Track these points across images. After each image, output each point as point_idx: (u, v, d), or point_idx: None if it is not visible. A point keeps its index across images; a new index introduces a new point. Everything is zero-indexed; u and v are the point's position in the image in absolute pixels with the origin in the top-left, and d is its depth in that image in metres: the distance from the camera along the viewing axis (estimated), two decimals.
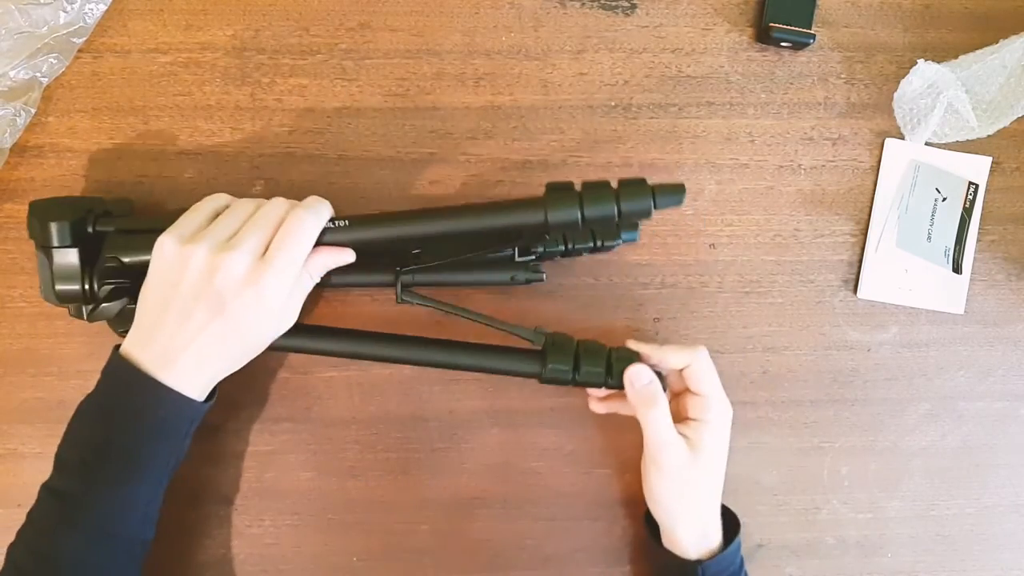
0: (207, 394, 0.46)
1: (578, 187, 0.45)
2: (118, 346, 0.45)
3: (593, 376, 0.49)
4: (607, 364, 0.50)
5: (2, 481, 0.55)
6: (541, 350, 0.50)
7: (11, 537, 0.53)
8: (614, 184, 0.44)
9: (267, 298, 0.43)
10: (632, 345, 0.50)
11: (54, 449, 0.54)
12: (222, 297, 0.42)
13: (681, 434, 0.49)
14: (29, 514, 0.45)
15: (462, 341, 0.52)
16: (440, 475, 0.56)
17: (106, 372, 0.45)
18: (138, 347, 0.44)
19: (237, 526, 0.55)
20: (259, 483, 0.55)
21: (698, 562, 0.49)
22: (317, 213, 0.45)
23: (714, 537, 0.51)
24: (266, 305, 0.43)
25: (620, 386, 0.50)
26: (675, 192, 0.43)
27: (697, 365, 0.49)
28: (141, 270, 0.46)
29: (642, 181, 0.43)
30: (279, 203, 0.45)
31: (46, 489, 0.45)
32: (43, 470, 0.55)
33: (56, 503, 0.44)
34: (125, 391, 0.44)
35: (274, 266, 0.43)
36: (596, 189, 0.44)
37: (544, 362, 0.49)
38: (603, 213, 0.43)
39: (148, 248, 0.45)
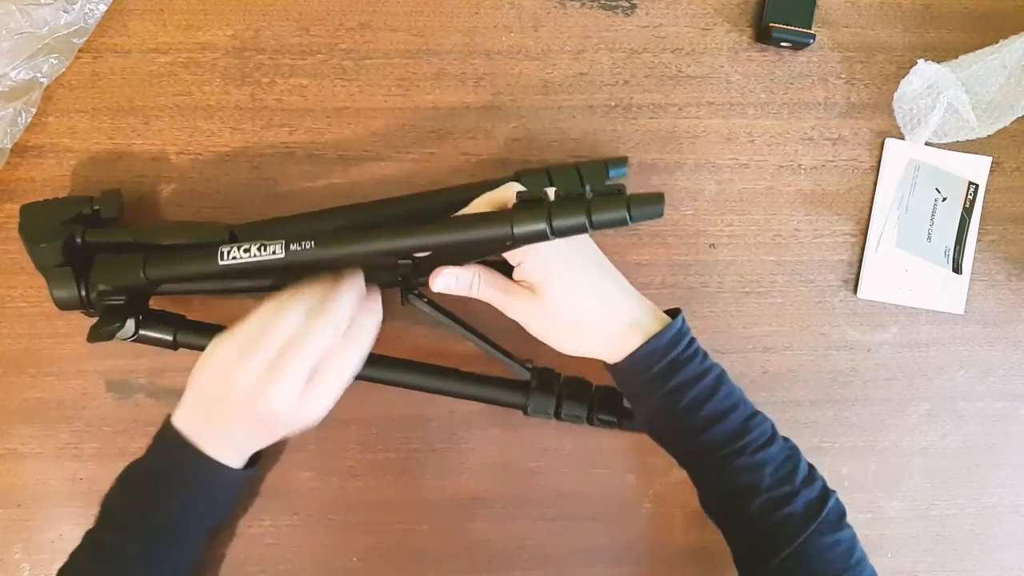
0: (247, 461, 0.49)
1: (551, 191, 0.43)
2: (170, 415, 0.47)
3: (575, 414, 0.52)
4: (590, 403, 0.52)
5: (2, 481, 0.55)
6: (528, 383, 0.52)
7: (11, 537, 0.54)
8: (589, 193, 0.41)
9: (312, 417, 0.46)
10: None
11: (54, 449, 0.55)
12: (272, 415, 0.44)
13: (521, 283, 0.46)
14: (72, 554, 0.46)
15: (452, 368, 0.53)
16: (440, 475, 0.56)
17: (157, 439, 0.47)
18: (187, 422, 0.46)
19: (237, 526, 0.55)
20: (259, 483, 0.55)
21: (623, 360, 0.46)
22: (361, 341, 0.46)
23: (644, 328, 0.46)
24: (309, 421, 0.46)
25: (606, 422, 0.52)
26: (652, 203, 0.39)
27: (482, 199, 0.46)
28: (135, 290, 0.48)
29: (617, 192, 0.40)
30: (331, 320, 0.45)
31: (91, 540, 0.46)
32: (43, 470, 0.55)
33: (100, 553, 0.46)
34: (174, 459, 0.46)
35: (324, 393, 0.45)
36: (566, 203, 0.41)
37: (528, 397, 0.52)
38: (573, 225, 0.40)
39: (136, 274, 0.46)
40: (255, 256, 0.44)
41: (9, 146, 0.52)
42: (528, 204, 0.42)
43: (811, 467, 0.47)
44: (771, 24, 0.55)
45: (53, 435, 0.55)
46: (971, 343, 0.59)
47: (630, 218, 0.39)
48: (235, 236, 0.48)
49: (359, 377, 0.50)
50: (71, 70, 0.53)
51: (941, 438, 0.59)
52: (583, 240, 0.47)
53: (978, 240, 0.59)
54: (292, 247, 0.44)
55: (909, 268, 0.58)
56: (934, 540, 0.60)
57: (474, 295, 0.47)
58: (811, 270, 0.58)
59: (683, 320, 0.47)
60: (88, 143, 0.54)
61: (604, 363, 0.48)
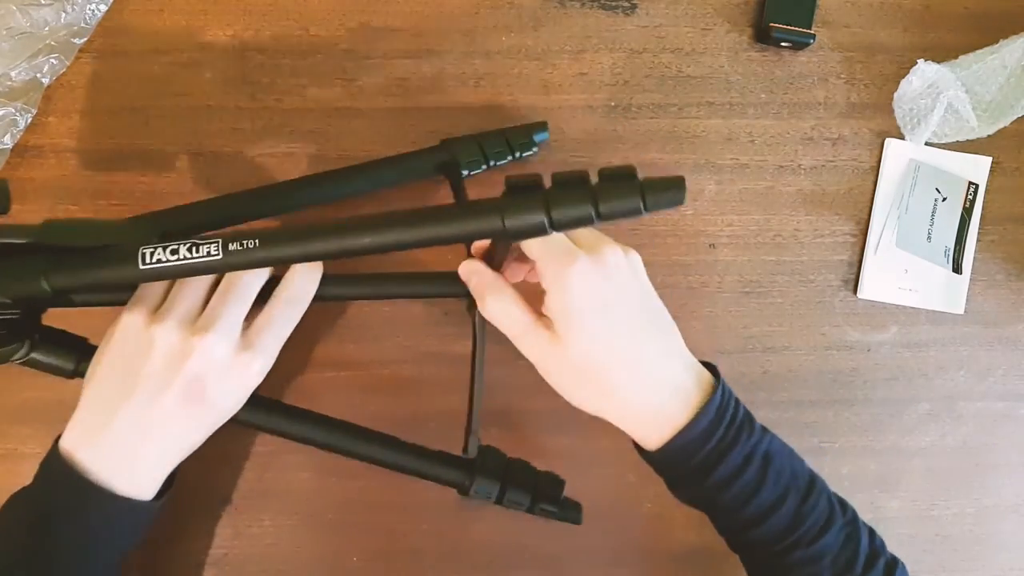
0: (161, 485, 0.42)
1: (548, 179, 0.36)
2: (59, 437, 0.39)
3: (518, 502, 0.50)
4: (533, 490, 0.51)
5: (2, 481, 0.54)
6: (472, 461, 0.49)
7: None
8: (595, 177, 0.35)
9: (253, 381, 0.40)
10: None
11: None
12: (201, 384, 0.38)
13: (540, 316, 0.38)
14: None
15: (393, 437, 0.50)
16: None
17: (44, 470, 0.39)
18: (84, 445, 0.38)
19: (237, 526, 0.55)
20: (259, 483, 0.55)
21: (654, 452, 0.39)
22: (305, 276, 0.41)
23: (663, 413, 0.38)
24: (250, 388, 0.40)
25: (548, 512, 0.51)
26: (671, 188, 0.32)
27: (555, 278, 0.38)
28: (35, 302, 0.40)
29: (630, 176, 0.33)
30: (251, 272, 0.40)
31: None
32: None
33: None
34: (67, 498, 0.38)
35: (263, 349, 0.40)
36: (567, 190, 0.35)
37: (472, 478, 0.49)
38: (577, 217, 0.34)
39: (35, 282, 0.37)
40: (185, 259, 0.37)
41: (10, 146, 0.52)
42: (522, 191, 0.35)
43: (872, 540, 0.42)
44: (771, 24, 0.55)
45: (53, 435, 0.54)
46: (971, 343, 0.59)
47: (645, 207, 0.32)
48: (167, 236, 0.39)
49: (279, 433, 0.47)
50: (71, 70, 0.53)
51: (941, 438, 0.59)
52: (630, 274, 0.39)
53: (978, 240, 0.59)
54: (231, 246, 0.36)
55: (909, 268, 0.58)
56: (934, 540, 0.60)
57: (482, 310, 0.40)
58: (811, 270, 0.58)
59: (722, 390, 0.39)
60: (88, 143, 0.54)
61: (646, 458, 0.41)
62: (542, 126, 0.54)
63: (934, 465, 0.60)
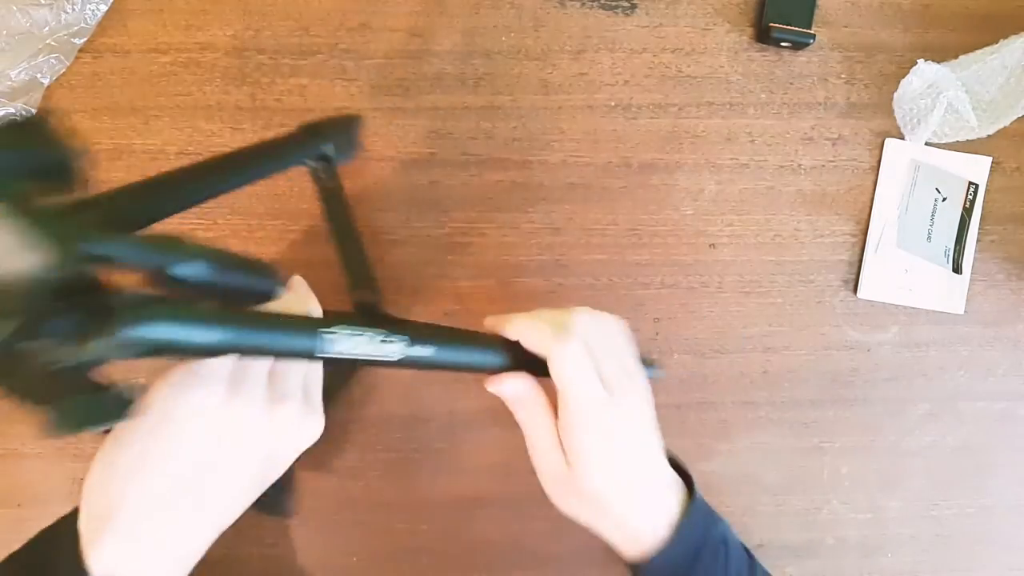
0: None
1: None
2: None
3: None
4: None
5: (2, 481, 0.55)
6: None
7: (11, 536, 0.53)
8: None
9: (315, 431, 0.38)
10: (489, 323, 0.42)
11: (54, 449, 0.55)
12: (275, 460, 0.37)
13: (560, 438, 0.40)
14: None
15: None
16: (440, 475, 0.56)
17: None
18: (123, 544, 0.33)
19: (238, 526, 0.55)
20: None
21: (636, 566, 0.41)
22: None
23: (649, 531, 0.40)
24: (310, 440, 0.39)
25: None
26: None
27: (554, 356, 0.39)
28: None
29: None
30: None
31: None
32: (43, 470, 0.55)
33: None
34: None
35: (320, 408, 0.38)
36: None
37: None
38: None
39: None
40: (367, 354, 0.35)
41: None
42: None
43: None
44: (771, 24, 0.55)
45: None
46: (971, 343, 0.59)
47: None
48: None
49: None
50: (71, 70, 0.53)
51: (941, 438, 0.59)
52: (639, 402, 0.42)
53: (978, 240, 0.59)
54: (414, 349, 0.36)
55: (909, 268, 0.58)
56: (934, 540, 0.60)
57: (520, 421, 0.41)
58: (811, 270, 0.58)
59: (696, 505, 0.41)
60: (88, 143, 0.54)
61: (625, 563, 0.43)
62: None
63: (934, 465, 0.60)
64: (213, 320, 0.32)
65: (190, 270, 0.32)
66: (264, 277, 0.38)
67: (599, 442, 0.39)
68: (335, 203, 0.46)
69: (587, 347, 0.39)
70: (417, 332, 0.37)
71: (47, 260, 0.26)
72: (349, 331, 0.35)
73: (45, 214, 0.27)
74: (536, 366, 0.40)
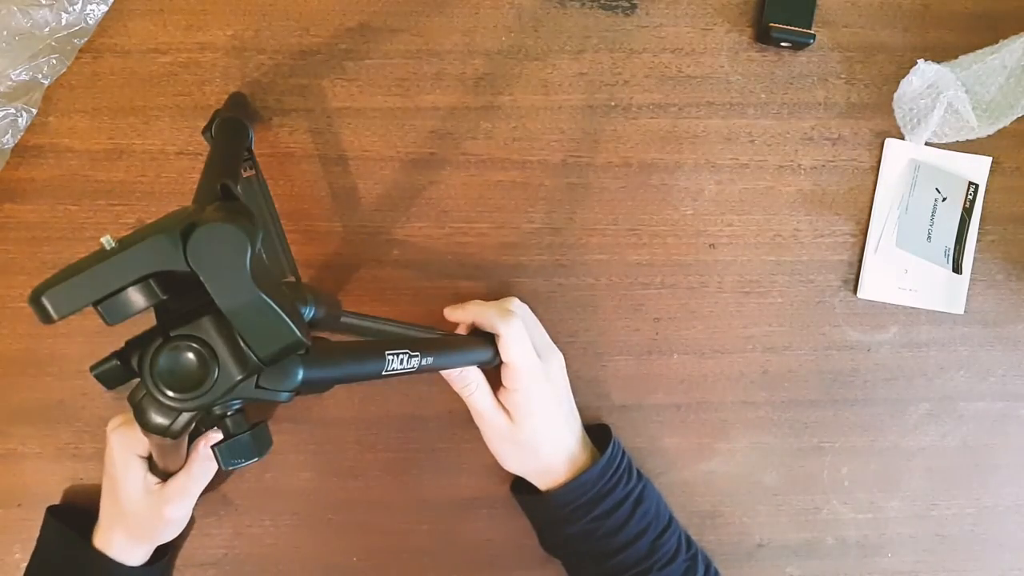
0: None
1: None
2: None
3: None
4: None
5: (2, 481, 0.55)
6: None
7: (11, 537, 0.54)
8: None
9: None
10: (448, 313, 0.52)
11: (54, 449, 0.55)
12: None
13: (500, 403, 0.50)
14: None
15: None
16: (440, 475, 0.56)
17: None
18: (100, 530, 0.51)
19: (237, 526, 0.55)
20: (259, 483, 0.55)
21: (545, 492, 0.52)
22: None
23: (561, 472, 0.51)
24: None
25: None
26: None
27: (504, 334, 0.49)
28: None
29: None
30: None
31: None
32: (43, 470, 0.55)
33: None
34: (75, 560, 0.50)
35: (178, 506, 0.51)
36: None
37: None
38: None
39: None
40: (404, 368, 0.41)
41: (11, 146, 0.52)
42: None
43: (707, 573, 0.52)
44: (771, 24, 0.55)
45: (53, 435, 0.55)
46: (971, 343, 0.59)
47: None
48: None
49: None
50: (71, 70, 0.53)
51: (941, 438, 0.59)
52: (563, 379, 0.53)
53: (978, 240, 0.59)
54: (425, 361, 0.42)
55: (909, 268, 0.58)
56: (934, 540, 0.60)
57: (466, 397, 0.51)
58: (811, 270, 0.58)
59: (614, 445, 0.52)
60: (88, 143, 0.54)
61: (522, 491, 0.54)
62: None
63: (934, 465, 0.60)
64: (339, 361, 0.38)
65: (321, 315, 0.40)
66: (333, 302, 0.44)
67: (537, 396, 0.50)
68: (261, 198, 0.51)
69: (524, 324, 0.50)
70: (416, 344, 0.42)
71: (296, 342, 0.32)
72: (396, 353, 0.40)
73: (285, 298, 0.32)
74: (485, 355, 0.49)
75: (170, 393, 0.31)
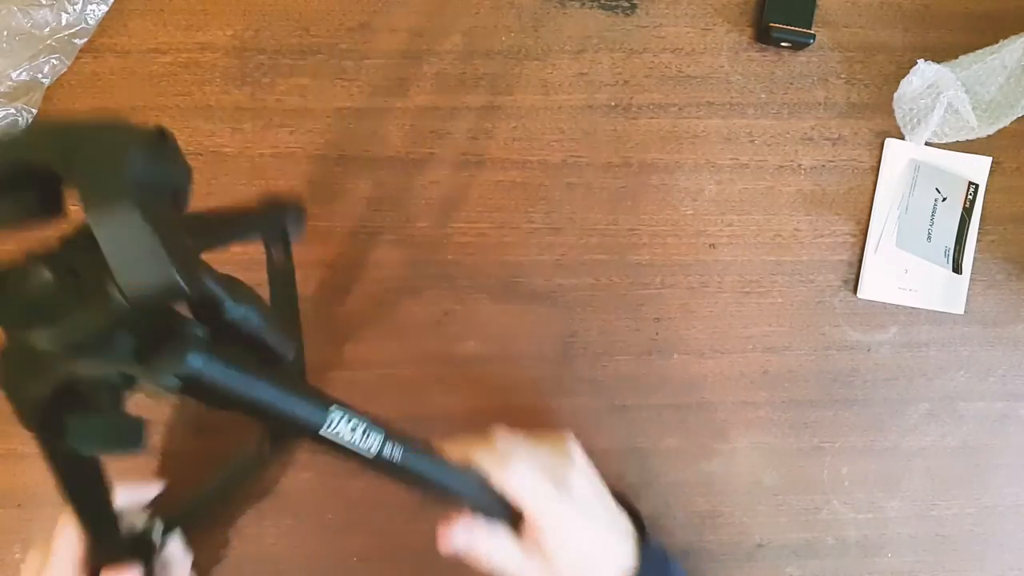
0: None
1: None
2: None
3: None
4: None
5: (2, 481, 0.55)
6: None
7: (11, 537, 0.54)
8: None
9: None
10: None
11: None
12: None
13: (527, 539, 0.43)
14: None
15: None
16: None
17: None
18: None
19: (237, 526, 0.55)
20: (259, 483, 0.55)
21: None
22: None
23: None
24: None
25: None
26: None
27: (510, 487, 0.42)
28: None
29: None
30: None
31: None
32: (43, 470, 0.55)
33: None
34: None
35: None
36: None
37: None
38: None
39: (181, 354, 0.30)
40: (351, 442, 0.35)
41: None
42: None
43: None
44: (771, 24, 0.55)
45: None
46: (971, 343, 0.59)
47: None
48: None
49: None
50: (72, 70, 0.53)
51: (941, 438, 0.59)
52: (593, 493, 0.45)
53: (978, 240, 0.59)
54: (386, 449, 0.36)
55: (909, 268, 0.58)
56: (934, 540, 0.60)
57: (478, 555, 0.43)
58: (811, 270, 0.58)
59: (649, 554, 0.45)
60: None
61: None
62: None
63: (934, 465, 0.60)
64: (256, 375, 0.32)
65: (242, 315, 0.32)
66: (288, 340, 0.37)
67: (563, 532, 0.43)
68: (284, 281, 0.48)
69: (526, 460, 0.43)
70: (391, 431, 0.36)
71: (169, 282, 0.25)
72: (346, 414, 0.34)
73: (176, 235, 0.26)
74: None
75: (26, 326, 0.26)
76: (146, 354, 0.28)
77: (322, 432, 0.33)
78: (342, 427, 0.34)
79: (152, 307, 0.26)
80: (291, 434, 0.36)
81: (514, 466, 0.42)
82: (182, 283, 0.25)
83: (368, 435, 0.35)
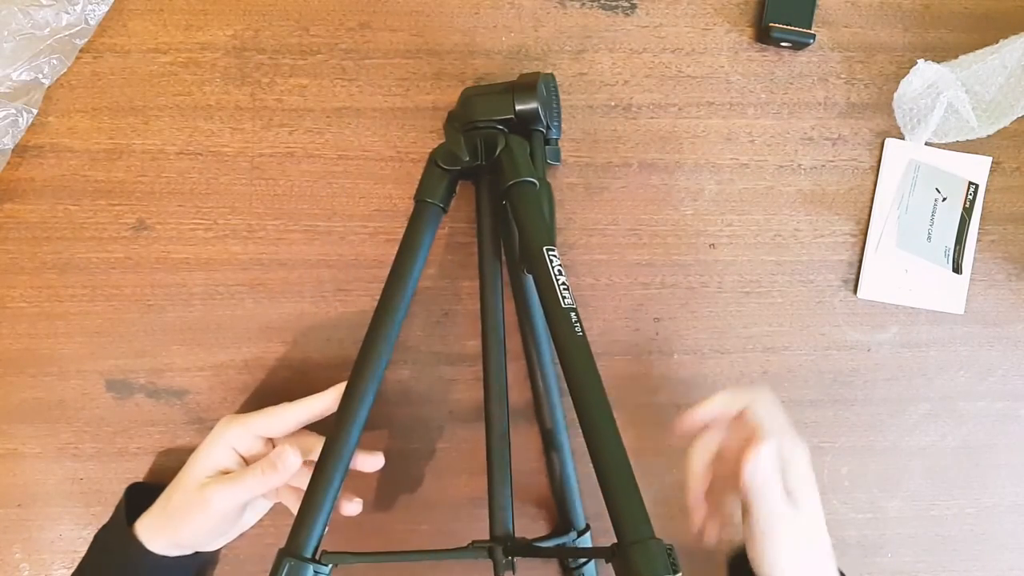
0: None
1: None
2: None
3: None
4: None
5: (2, 481, 0.55)
6: None
7: (11, 537, 0.53)
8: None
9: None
10: (685, 423, 0.47)
11: (54, 449, 0.55)
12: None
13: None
14: None
15: None
16: (440, 475, 0.56)
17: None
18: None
19: None
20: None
21: None
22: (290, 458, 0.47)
23: None
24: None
25: None
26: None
27: (753, 408, 0.44)
28: None
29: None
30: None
31: None
32: (43, 470, 0.55)
33: None
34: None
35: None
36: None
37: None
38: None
39: None
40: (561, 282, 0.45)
41: (11, 147, 0.52)
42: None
43: None
44: (771, 24, 0.55)
45: (53, 435, 0.55)
46: (971, 343, 0.59)
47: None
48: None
49: None
50: (72, 70, 0.53)
51: (941, 438, 0.59)
52: (819, 520, 0.45)
53: (978, 240, 0.59)
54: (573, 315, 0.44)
55: (909, 268, 0.58)
56: (934, 540, 0.60)
57: (760, 480, 0.43)
58: (811, 270, 0.58)
59: None
60: (88, 143, 0.54)
61: None
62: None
63: (934, 465, 0.60)
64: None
65: None
66: None
67: (785, 552, 0.43)
68: None
69: (778, 451, 0.43)
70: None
71: None
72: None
73: None
74: None
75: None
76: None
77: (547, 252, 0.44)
78: (555, 261, 0.44)
79: None
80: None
81: (764, 447, 0.42)
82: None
83: (567, 290, 0.43)
